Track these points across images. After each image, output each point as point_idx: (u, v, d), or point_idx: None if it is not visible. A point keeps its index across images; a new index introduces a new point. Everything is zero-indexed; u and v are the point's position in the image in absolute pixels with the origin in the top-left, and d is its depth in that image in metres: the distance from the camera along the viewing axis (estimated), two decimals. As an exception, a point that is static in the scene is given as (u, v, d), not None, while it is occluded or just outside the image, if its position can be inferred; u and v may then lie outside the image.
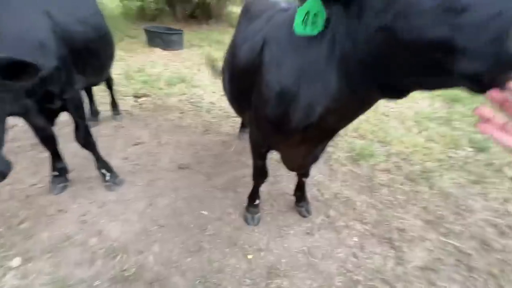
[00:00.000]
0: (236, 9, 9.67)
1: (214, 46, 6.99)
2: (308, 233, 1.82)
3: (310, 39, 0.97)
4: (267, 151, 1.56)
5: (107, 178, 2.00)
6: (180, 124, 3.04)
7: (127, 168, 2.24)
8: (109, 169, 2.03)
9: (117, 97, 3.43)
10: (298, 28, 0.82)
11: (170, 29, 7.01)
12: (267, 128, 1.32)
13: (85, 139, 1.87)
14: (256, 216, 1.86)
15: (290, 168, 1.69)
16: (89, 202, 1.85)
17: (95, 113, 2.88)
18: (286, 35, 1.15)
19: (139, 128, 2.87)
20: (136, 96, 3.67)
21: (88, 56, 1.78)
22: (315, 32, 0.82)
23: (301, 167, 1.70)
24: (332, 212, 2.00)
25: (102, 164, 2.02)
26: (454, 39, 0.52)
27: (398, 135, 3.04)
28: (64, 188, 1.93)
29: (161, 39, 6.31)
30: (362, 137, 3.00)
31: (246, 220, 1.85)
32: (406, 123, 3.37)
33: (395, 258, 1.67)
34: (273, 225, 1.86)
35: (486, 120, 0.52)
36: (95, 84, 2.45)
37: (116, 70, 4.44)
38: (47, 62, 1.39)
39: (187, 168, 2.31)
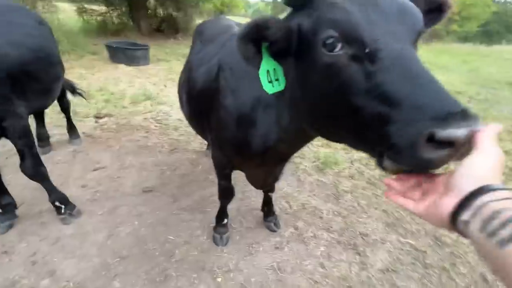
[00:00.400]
0: (203, 23, 9.71)
1: (181, 61, 6.95)
2: (277, 248, 1.83)
3: None
4: (231, 171, 1.57)
5: (62, 210, 1.84)
6: (145, 144, 2.95)
7: (85, 196, 2.10)
8: (64, 200, 1.87)
9: (77, 118, 3.25)
10: (268, 88, 0.79)
11: (134, 44, 6.85)
12: (229, 150, 1.34)
13: (34, 169, 1.71)
14: (225, 236, 1.84)
15: (255, 186, 1.73)
16: (40, 239, 1.69)
17: (43, 137, 2.63)
18: (240, 62, 1.19)
19: (99, 152, 2.72)
20: (98, 117, 3.50)
21: (27, 79, 1.65)
22: (282, 86, 0.81)
23: (264, 186, 1.74)
24: (300, 224, 2.05)
25: (55, 195, 1.86)
26: (383, 127, 0.55)
27: (360, 142, 3.23)
28: (10, 226, 1.74)
29: (125, 55, 6.12)
30: (327, 145, 3.14)
31: (214, 240, 1.82)
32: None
33: (359, 264, 1.75)
34: (242, 243, 1.85)
35: (390, 188, 0.61)
36: (44, 108, 2.29)
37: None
38: None
39: (151, 191, 2.23)
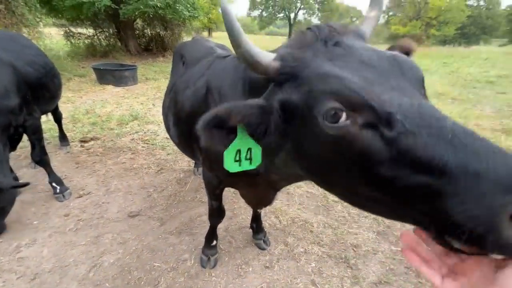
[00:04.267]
0: (190, 41, 9.87)
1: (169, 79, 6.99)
2: (267, 267, 1.79)
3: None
4: (222, 191, 1.55)
5: (58, 190, 2.28)
6: (131, 166, 2.90)
7: (68, 226, 2.03)
8: (59, 183, 2.32)
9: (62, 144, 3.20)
10: (232, 167, 0.73)
11: (122, 65, 6.89)
12: (218, 171, 1.32)
13: (41, 157, 2.18)
14: (213, 258, 1.78)
15: (249, 204, 1.72)
16: (17, 277, 1.61)
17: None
18: (229, 85, 1.16)
19: (84, 178, 2.66)
20: (83, 141, 3.45)
21: (41, 89, 2.15)
22: (254, 166, 0.75)
23: (258, 206, 1.72)
24: (290, 239, 2.01)
25: (53, 178, 2.30)
26: (432, 202, 0.46)
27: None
28: None
29: (113, 76, 6.14)
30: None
31: (202, 263, 1.76)
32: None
33: (351, 278, 1.71)
34: (231, 264, 1.79)
35: (411, 248, 0.53)
36: (48, 111, 2.60)
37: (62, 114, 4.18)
38: None
39: (137, 216, 2.17)
